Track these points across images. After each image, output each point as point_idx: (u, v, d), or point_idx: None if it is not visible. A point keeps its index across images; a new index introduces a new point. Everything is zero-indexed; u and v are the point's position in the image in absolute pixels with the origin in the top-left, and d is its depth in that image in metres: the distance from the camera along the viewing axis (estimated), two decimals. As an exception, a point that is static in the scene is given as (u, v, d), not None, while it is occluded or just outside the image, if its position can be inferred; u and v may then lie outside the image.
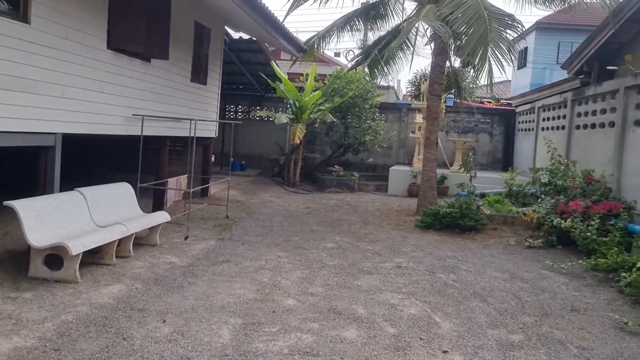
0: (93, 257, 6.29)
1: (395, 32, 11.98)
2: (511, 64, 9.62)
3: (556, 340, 4.86)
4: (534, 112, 15.30)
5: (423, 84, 17.16)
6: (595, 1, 10.87)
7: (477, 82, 19.35)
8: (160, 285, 5.77)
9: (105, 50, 7.71)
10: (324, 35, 12.87)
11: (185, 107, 10.52)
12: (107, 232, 6.28)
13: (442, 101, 13.47)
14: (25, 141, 6.28)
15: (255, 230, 9.22)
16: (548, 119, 13.81)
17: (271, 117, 17.28)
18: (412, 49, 11.94)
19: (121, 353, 4.05)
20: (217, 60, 12.32)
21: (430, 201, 11.14)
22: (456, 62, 12.71)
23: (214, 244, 7.92)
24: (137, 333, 4.43)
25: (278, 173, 17.24)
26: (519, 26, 9.71)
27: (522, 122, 17.17)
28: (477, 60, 9.04)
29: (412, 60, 14.69)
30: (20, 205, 5.60)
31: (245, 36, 14.21)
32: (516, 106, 19.41)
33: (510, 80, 28.79)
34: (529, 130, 15.85)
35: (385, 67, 11.84)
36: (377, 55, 11.41)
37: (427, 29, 11.61)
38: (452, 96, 17.94)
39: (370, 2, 13.12)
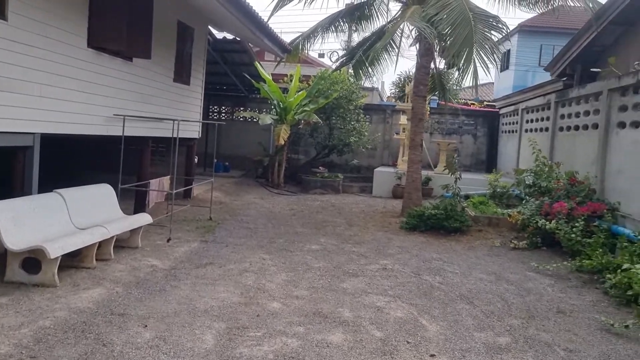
0: (72, 261, 6.14)
1: (380, 33, 11.95)
2: (495, 65, 9.63)
3: (543, 342, 4.83)
4: (517, 114, 15.37)
5: (407, 85, 17.17)
6: (578, 5, 10.95)
7: (462, 83, 19.42)
8: (141, 289, 5.63)
9: (86, 49, 7.56)
10: (308, 36, 12.79)
11: (168, 107, 10.38)
12: (87, 234, 6.13)
13: (427, 103, 13.46)
14: (2, 141, 6.12)
15: (239, 232, 9.11)
16: (532, 120, 13.88)
17: (255, 118, 17.16)
18: (397, 50, 11.92)
19: (101, 360, 3.93)
20: (200, 60, 12.18)
21: (415, 202, 11.12)
22: (441, 64, 12.73)
23: (197, 247, 7.80)
24: (117, 339, 4.31)
25: (262, 174, 17.12)
26: (504, 27, 9.74)
27: (506, 124, 17.25)
28: (462, 61, 9.04)
29: (397, 61, 14.72)
30: (-3, 207, 5.44)
31: (229, 36, 14.08)
32: (500, 108, 19.52)
33: (493, 83, 29.01)
34: (513, 132, 15.93)
35: (370, 68, 11.78)
36: (362, 56, 11.37)
37: (412, 29, 11.61)
38: (436, 98, 18.00)
39: (355, 3, 13.07)
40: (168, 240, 7.90)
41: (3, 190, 6.40)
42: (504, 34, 9.94)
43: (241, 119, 19.33)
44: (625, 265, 6.13)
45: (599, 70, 11.60)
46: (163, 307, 5.12)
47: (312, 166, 17.55)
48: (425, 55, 11.33)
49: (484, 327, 5.15)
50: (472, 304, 5.83)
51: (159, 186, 10.28)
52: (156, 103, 9.85)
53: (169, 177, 10.27)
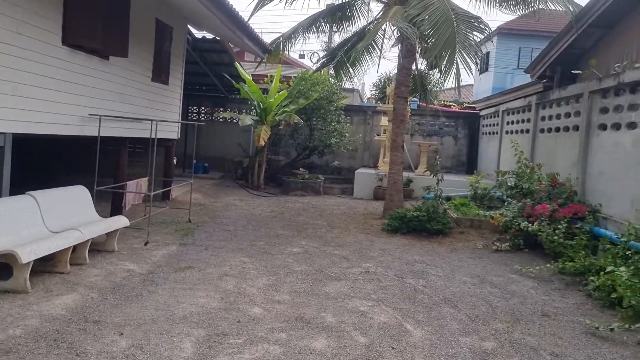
0: (45, 265, 5.92)
1: (362, 34, 11.86)
2: (477, 67, 9.60)
3: (529, 346, 4.77)
4: (498, 116, 15.42)
5: (389, 86, 17.12)
6: (559, 7, 10.99)
7: (444, 85, 19.49)
8: (117, 295, 5.44)
9: (61, 46, 7.34)
10: (289, 37, 12.64)
11: (146, 107, 10.16)
12: (60, 238, 5.92)
13: (408, 104, 13.42)
14: (-29, 141, 5.89)
15: (219, 234, 8.93)
16: (512, 122, 13.91)
17: (235, 119, 16.97)
18: (378, 51, 11.84)
19: (73, 370, 3.75)
20: (179, 60, 11.98)
21: (397, 204, 11.05)
22: (422, 65, 12.69)
23: (176, 250, 7.61)
24: (91, 348, 4.12)
25: (242, 176, 16.92)
26: (486, 28, 9.70)
27: (486, 126, 17.30)
28: (444, 62, 8.98)
29: (379, 62, 14.67)
30: (-35, 210, 5.22)
31: (209, 35, 13.89)
32: (480, 110, 19.59)
33: (472, 84, 29.19)
34: (493, 133, 15.97)
35: (351, 69, 11.69)
36: (343, 57, 11.27)
37: (394, 30, 11.53)
38: (417, 99, 17.98)
39: (336, 3, 12.95)
40: (146, 244, 7.70)
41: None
42: (486, 35, 9.92)
43: (221, 120, 19.09)
44: (609, 268, 6.09)
45: (579, 72, 11.65)
46: (140, 313, 4.95)
47: (292, 167, 17.41)
48: (407, 56, 11.27)
49: (469, 331, 5.07)
50: (457, 308, 5.76)
51: (136, 188, 10.02)
52: (134, 103, 9.63)
53: (146, 178, 10.04)
